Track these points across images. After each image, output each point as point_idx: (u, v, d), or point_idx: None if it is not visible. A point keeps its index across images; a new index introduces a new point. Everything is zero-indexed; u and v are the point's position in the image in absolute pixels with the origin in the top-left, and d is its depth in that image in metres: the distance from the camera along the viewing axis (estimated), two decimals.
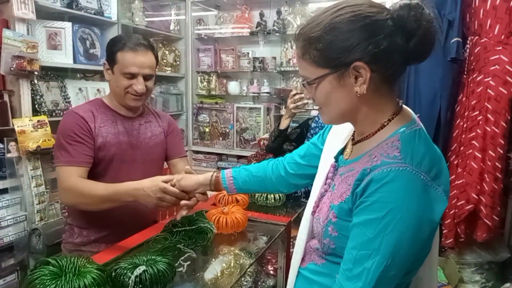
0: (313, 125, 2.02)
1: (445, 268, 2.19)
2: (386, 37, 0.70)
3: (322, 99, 0.78)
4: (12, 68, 1.83)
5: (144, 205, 1.54)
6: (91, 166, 1.40)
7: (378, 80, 0.73)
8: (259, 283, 1.37)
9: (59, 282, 0.91)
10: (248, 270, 1.33)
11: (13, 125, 1.88)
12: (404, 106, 0.83)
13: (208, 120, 3.41)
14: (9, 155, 1.88)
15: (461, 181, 2.08)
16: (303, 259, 0.92)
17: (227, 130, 3.33)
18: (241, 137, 3.27)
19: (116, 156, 1.45)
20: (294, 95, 1.94)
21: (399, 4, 0.71)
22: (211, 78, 3.42)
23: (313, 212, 0.89)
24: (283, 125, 2.03)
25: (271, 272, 1.75)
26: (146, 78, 1.42)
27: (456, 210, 2.10)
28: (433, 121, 2.14)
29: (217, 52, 3.34)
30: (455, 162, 2.15)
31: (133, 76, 1.39)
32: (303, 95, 1.87)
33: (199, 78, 3.45)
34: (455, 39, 1.97)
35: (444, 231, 2.18)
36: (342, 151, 0.89)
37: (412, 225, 0.67)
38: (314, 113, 2.29)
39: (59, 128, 1.41)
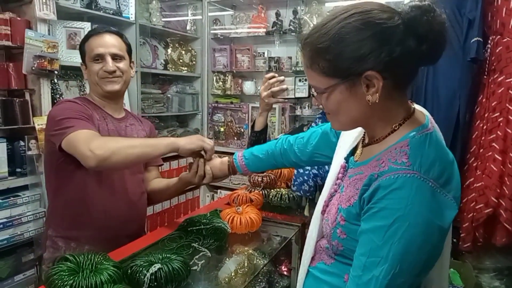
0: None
1: (462, 272, 2.14)
2: (399, 44, 0.67)
3: (333, 108, 0.77)
4: (33, 68, 1.88)
5: (134, 214, 1.53)
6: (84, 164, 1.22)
7: (390, 86, 0.71)
8: (273, 284, 1.37)
9: (76, 278, 0.94)
10: (262, 270, 1.33)
11: (33, 123, 1.93)
12: (417, 107, 0.82)
13: (223, 120, 3.42)
14: (29, 152, 1.93)
15: (480, 184, 2.03)
16: (313, 258, 0.93)
17: (242, 130, 3.33)
18: None
19: None
20: (270, 78, 1.44)
21: (410, 7, 0.68)
22: (226, 78, 3.43)
23: (323, 212, 0.89)
24: (258, 126, 1.61)
25: (285, 273, 1.74)
26: (116, 59, 1.41)
27: (474, 214, 2.05)
28: (451, 122, 2.09)
29: (232, 52, 3.35)
30: (474, 164, 2.10)
31: (101, 57, 1.38)
32: (282, 77, 1.41)
33: (214, 78, 3.46)
34: (475, 38, 1.92)
35: (462, 235, 2.13)
36: (353, 152, 0.89)
37: (420, 232, 0.66)
38: (306, 112, 1.97)
39: (59, 109, 1.31)
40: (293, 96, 1.40)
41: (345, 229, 0.78)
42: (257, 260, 1.33)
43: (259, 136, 1.59)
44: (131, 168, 1.47)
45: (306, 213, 1.68)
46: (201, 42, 3.38)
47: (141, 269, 1.02)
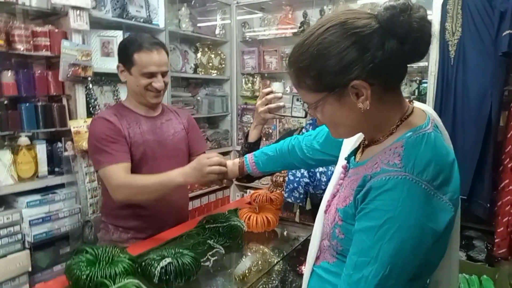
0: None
1: (497, 280, 2.03)
2: (379, 49, 0.66)
3: (328, 120, 0.77)
4: (68, 75, 2.02)
5: (179, 201, 1.64)
6: None
7: (380, 91, 0.70)
8: (287, 283, 1.38)
9: (93, 268, 1.01)
10: (276, 269, 1.35)
11: (69, 126, 2.07)
12: (419, 106, 0.80)
13: (252, 121, 3.46)
14: (66, 153, 2.08)
15: None
16: (317, 257, 0.93)
17: (270, 131, 3.36)
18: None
19: (145, 155, 1.51)
20: (267, 94, 1.38)
21: (385, 8, 0.67)
22: (255, 79, 3.47)
23: (326, 211, 0.89)
24: (252, 137, 1.58)
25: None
26: (163, 74, 1.49)
27: (509, 218, 1.94)
28: (483, 120, 1.99)
29: (261, 54, 3.38)
30: (510, 165, 1.98)
31: (152, 75, 1.46)
32: (279, 94, 1.38)
33: (243, 80, 3.52)
34: (507, 31, 1.82)
35: (497, 240, 2.02)
36: (355, 152, 0.89)
37: (412, 235, 0.65)
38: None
39: (90, 134, 1.49)
40: (289, 115, 1.35)
41: (343, 229, 0.78)
42: (273, 259, 1.36)
43: (253, 148, 1.55)
44: (174, 165, 1.54)
45: (297, 219, 1.68)
46: (230, 45, 3.44)
47: (153, 262, 1.08)
